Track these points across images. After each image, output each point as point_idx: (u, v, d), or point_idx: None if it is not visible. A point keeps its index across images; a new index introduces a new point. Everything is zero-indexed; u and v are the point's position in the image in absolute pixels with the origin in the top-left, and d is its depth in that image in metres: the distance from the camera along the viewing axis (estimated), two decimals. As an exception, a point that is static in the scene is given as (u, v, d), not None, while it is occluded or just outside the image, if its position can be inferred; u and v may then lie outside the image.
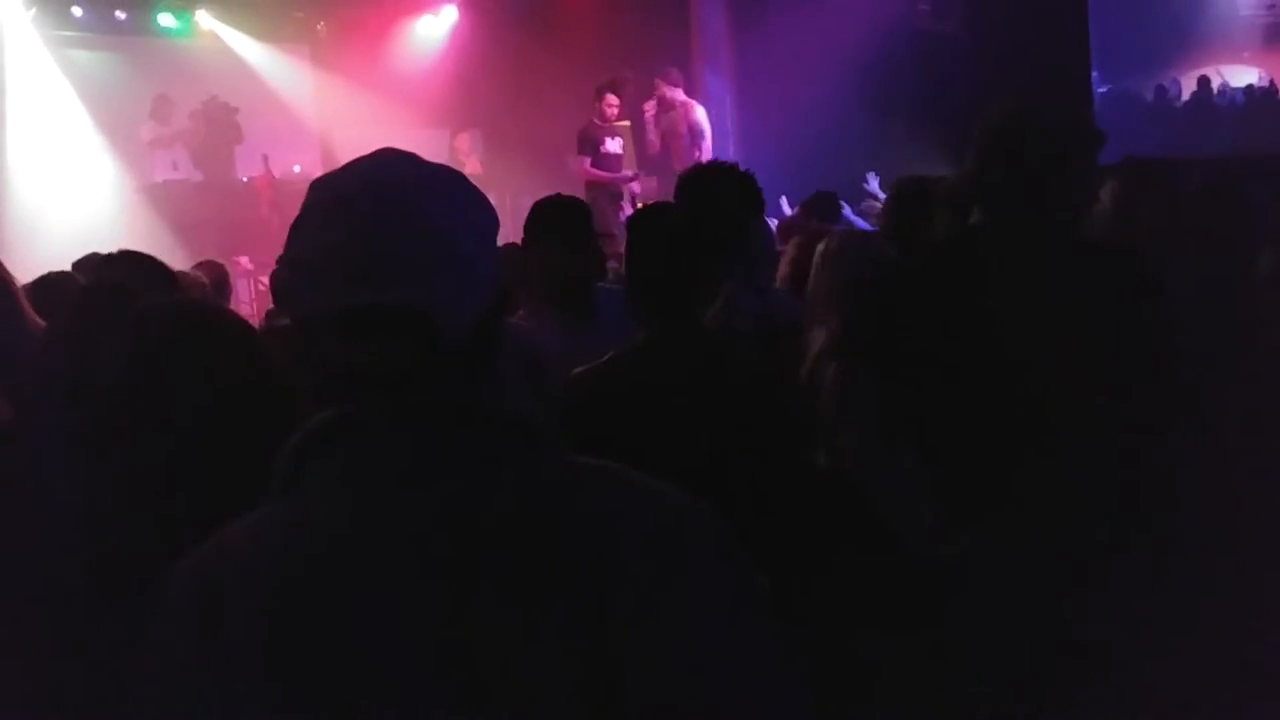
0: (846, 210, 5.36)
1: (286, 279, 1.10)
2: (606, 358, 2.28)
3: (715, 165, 2.45)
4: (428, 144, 8.48)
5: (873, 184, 6.39)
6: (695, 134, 8.47)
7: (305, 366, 1.14)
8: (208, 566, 1.08)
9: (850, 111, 7.60)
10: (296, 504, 1.08)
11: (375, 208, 1.06)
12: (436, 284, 1.06)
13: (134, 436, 1.90)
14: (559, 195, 3.20)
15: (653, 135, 8.66)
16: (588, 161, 8.42)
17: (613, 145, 8.51)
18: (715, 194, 2.36)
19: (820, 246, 3.08)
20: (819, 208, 5.30)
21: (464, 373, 1.10)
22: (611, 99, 8.42)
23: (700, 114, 8.55)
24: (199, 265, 5.06)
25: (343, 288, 1.04)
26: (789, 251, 3.64)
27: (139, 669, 1.09)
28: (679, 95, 8.54)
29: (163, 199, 10.46)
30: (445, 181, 1.13)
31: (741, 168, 2.77)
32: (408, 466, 1.06)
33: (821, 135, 7.58)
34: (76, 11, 10.66)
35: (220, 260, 5.50)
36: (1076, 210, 2.35)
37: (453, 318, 1.07)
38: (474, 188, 1.16)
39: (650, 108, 8.63)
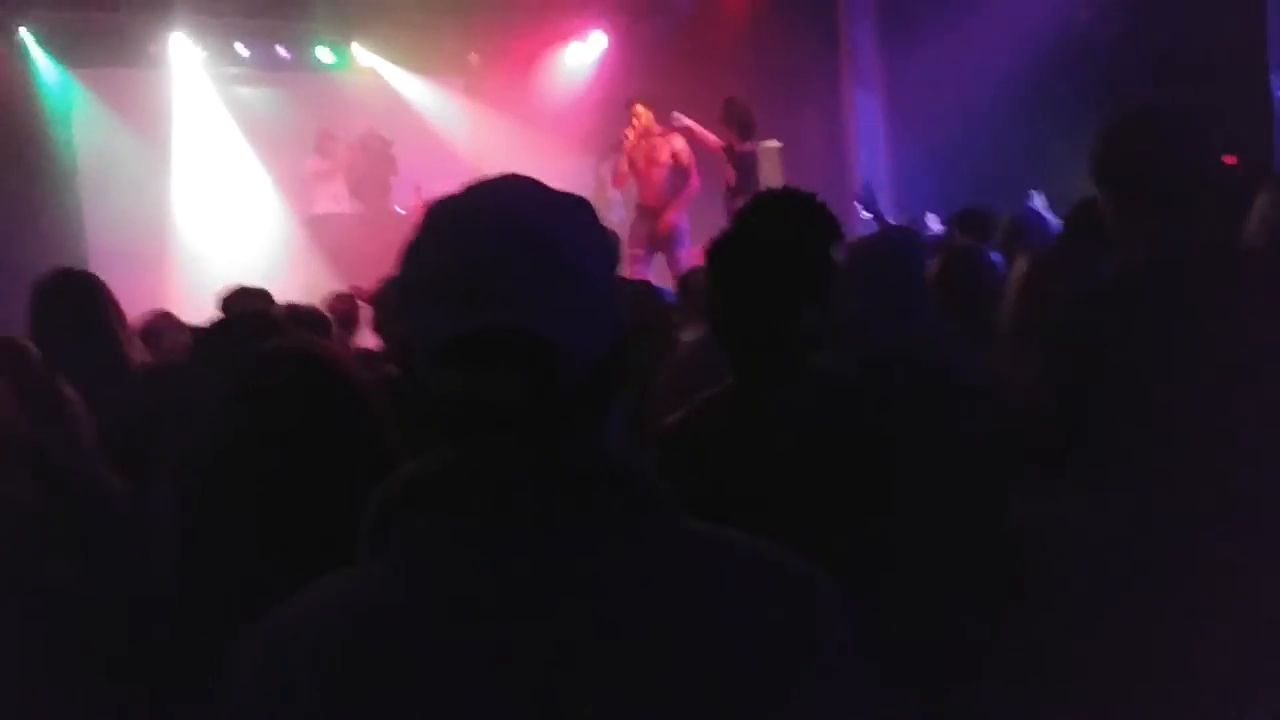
0: (1048, 215, 4.85)
1: (397, 303, 1.04)
2: (698, 401, 2.09)
3: (789, 192, 2.24)
4: (576, 172, 8.46)
5: (1036, 203, 5.95)
6: (679, 164, 7.96)
7: (409, 407, 1.05)
8: (278, 634, 1.02)
9: (1007, 124, 7.24)
10: (375, 571, 1.01)
11: (497, 228, 0.99)
12: (559, 310, 0.97)
13: (244, 490, 1.83)
14: None
15: (622, 164, 8.21)
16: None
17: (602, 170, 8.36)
18: (795, 219, 2.14)
19: (1020, 267, 2.78)
20: (970, 224, 4.99)
21: (580, 418, 1.01)
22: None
23: (681, 144, 8.05)
24: (328, 298, 5.08)
25: (457, 310, 0.96)
26: (934, 270, 3.35)
27: None
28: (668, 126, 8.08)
29: (323, 231, 10.76)
30: (570, 206, 1.05)
31: (869, 187, 2.56)
32: (504, 532, 0.97)
33: (977, 149, 7.23)
34: (241, 51, 11.09)
35: (349, 293, 5.50)
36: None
37: (575, 350, 0.98)
38: (597, 216, 1.08)
39: (629, 134, 8.14)
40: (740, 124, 7.73)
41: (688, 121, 8.01)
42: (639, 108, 8.07)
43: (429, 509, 0.99)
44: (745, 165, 7.79)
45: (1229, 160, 2.50)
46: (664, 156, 7.98)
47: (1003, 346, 2.56)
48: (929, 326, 2.96)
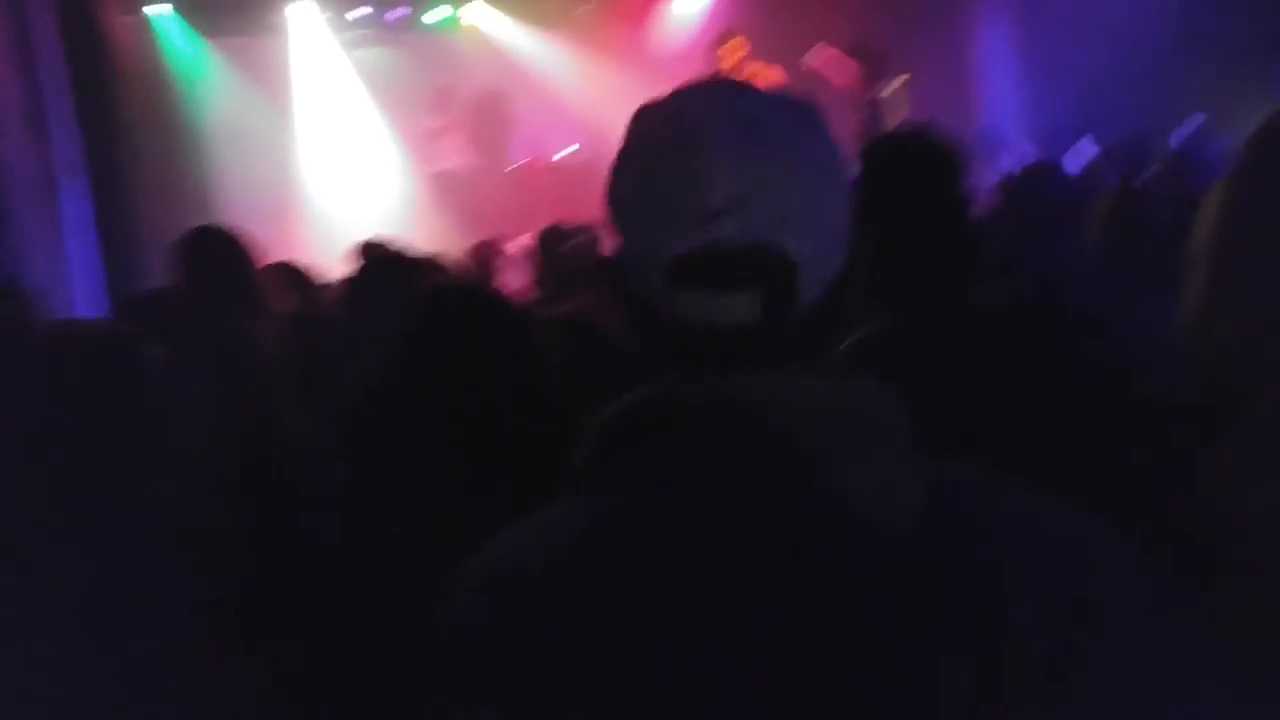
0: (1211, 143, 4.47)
1: (615, 215, 0.96)
2: (854, 341, 1.96)
3: (915, 135, 2.14)
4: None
5: (1190, 126, 5.54)
6: None
7: (631, 330, 0.99)
8: (495, 576, 0.90)
9: (1154, 55, 6.90)
10: (598, 505, 0.91)
11: (725, 131, 0.90)
12: (803, 225, 0.90)
13: (416, 425, 1.83)
14: None
15: None
16: None
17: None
18: (923, 165, 2.06)
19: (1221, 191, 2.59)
20: (1127, 155, 4.69)
21: (815, 343, 0.94)
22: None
23: (779, 78, 7.77)
24: (471, 249, 5.16)
25: (686, 224, 0.89)
26: (1096, 215, 3.15)
27: (400, 689, 0.96)
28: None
29: (445, 186, 10.89)
30: (800, 106, 0.97)
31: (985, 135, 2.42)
32: (757, 466, 0.87)
33: (1121, 75, 6.90)
34: (355, 13, 11.25)
35: (489, 242, 5.56)
36: None
37: (814, 271, 0.91)
38: (826, 120, 0.98)
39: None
40: (872, 66, 7.52)
41: (819, 61, 7.81)
42: (734, 41, 7.89)
43: (661, 438, 0.90)
44: (873, 112, 7.58)
45: None
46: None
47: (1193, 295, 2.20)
48: (1083, 266, 2.81)
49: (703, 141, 0.90)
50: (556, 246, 4.48)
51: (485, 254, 4.95)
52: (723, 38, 7.92)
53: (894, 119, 7.61)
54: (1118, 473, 1.68)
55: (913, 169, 2.06)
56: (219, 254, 3.35)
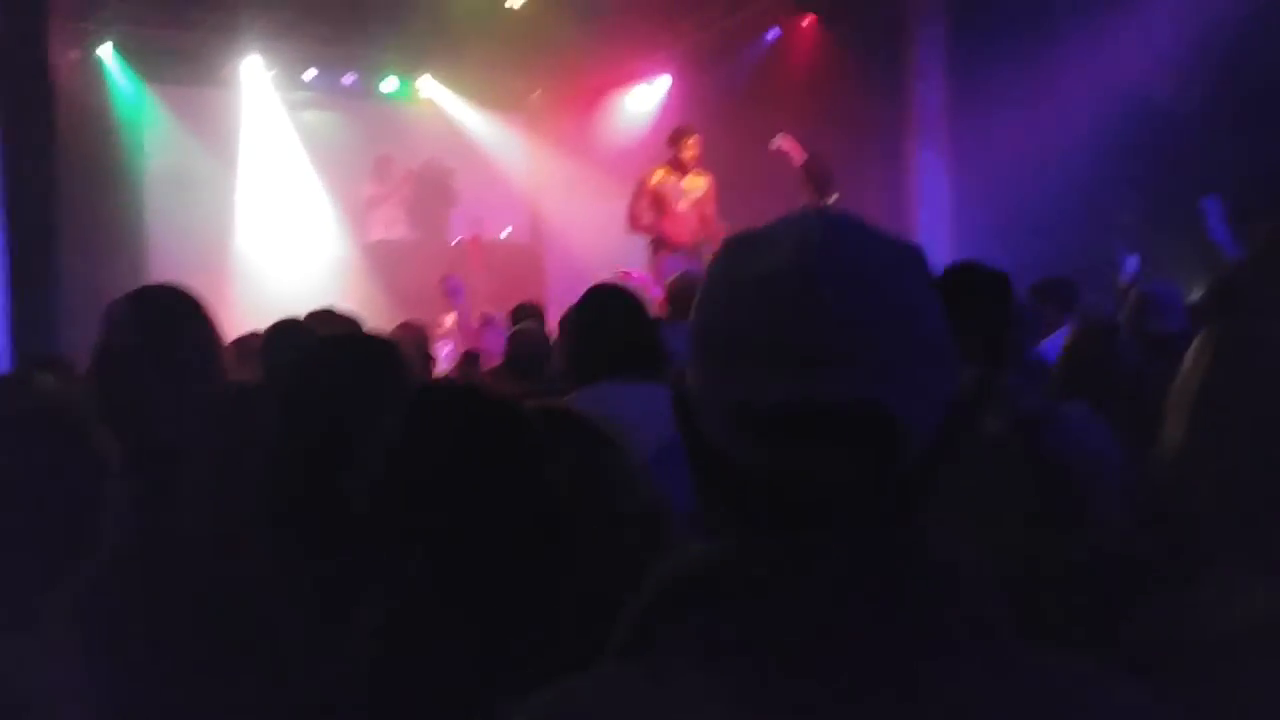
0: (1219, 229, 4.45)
1: (698, 350, 0.88)
2: None
3: (975, 265, 2.22)
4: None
5: (1131, 266, 5.64)
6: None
7: (694, 474, 0.90)
8: None
9: (1078, 192, 7.16)
10: (656, 670, 0.83)
11: (833, 276, 0.83)
12: (905, 377, 0.82)
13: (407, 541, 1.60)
14: None
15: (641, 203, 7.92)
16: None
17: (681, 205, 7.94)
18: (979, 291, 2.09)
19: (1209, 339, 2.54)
20: (1052, 294, 4.82)
21: (910, 502, 0.86)
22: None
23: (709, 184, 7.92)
24: (400, 327, 5.06)
25: (793, 369, 0.81)
26: (1068, 351, 3.05)
27: None
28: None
29: (380, 257, 10.84)
30: (908, 250, 0.89)
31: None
32: (830, 640, 0.79)
33: (1046, 216, 7.15)
34: (309, 74, 11.28)
35: (421, 321, 5.49)
36: None
37: (917, 424, 0.83)
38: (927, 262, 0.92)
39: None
40: (821, 179, 7.67)
41: (786, 144, 7.95)
42: (692, 139, 7.97)
43: (729, 603, 0.82)
44: None
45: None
46: (701, 193, 7.90)
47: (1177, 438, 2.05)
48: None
49: (811, 282, 0.83)
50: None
51: (415, 334, 4.87)
52: (680, 134, 8.02)
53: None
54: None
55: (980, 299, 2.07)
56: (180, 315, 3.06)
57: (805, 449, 0.82)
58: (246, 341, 4.20)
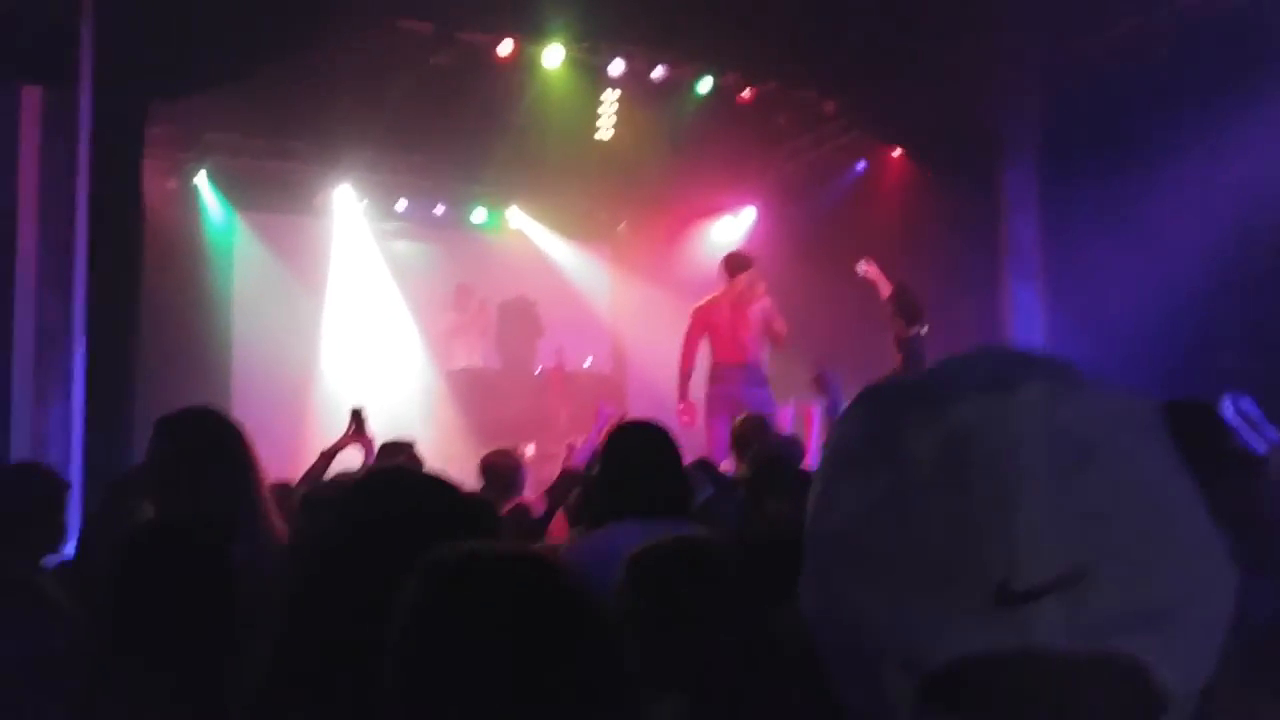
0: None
1: (826, 567, 0.61)
2: None
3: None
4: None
5: (1229, 409, 5.27)
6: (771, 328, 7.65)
7: None
8: None
9: (1177, 329, 6.84)
10: None
11: (1061, 460, 0.55)
12: (1168, 619, 0.55)
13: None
14: None
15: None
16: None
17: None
18: None
19: None
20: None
21: None
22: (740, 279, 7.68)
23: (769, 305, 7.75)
24: (492, 454, 5.01)
25: (985, 608, 0.54)
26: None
27: None
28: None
29: (464, 385, 10.80)
30: (1155, 418, 0.61)
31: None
32: None
33: (1144, 357, 6.81)
34: (400, 205, 11.46)
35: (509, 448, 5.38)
36: None
37: (1183, 694, 0.56)
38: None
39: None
40: (909, 310, 7.49)
41: (870, 271, 7.79)
42: (752, 272, 7.82)
43: None
44: (913, 351, 7.48)
45: None
46: (755, 315, 7.69)
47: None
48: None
49: (1006, 474, 0.55)
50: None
51: (510, 463, 4.73)
52: (742, 264, 7.88)
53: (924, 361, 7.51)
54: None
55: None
56: (220, 443, 2.87)
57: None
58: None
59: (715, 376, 7.77)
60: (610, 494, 2.79)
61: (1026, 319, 8.61)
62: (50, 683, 2.37)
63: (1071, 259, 8.06)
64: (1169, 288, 6.95)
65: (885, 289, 7.67)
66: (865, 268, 7.80)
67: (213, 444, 2.75)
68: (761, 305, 7.74)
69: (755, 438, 5.13)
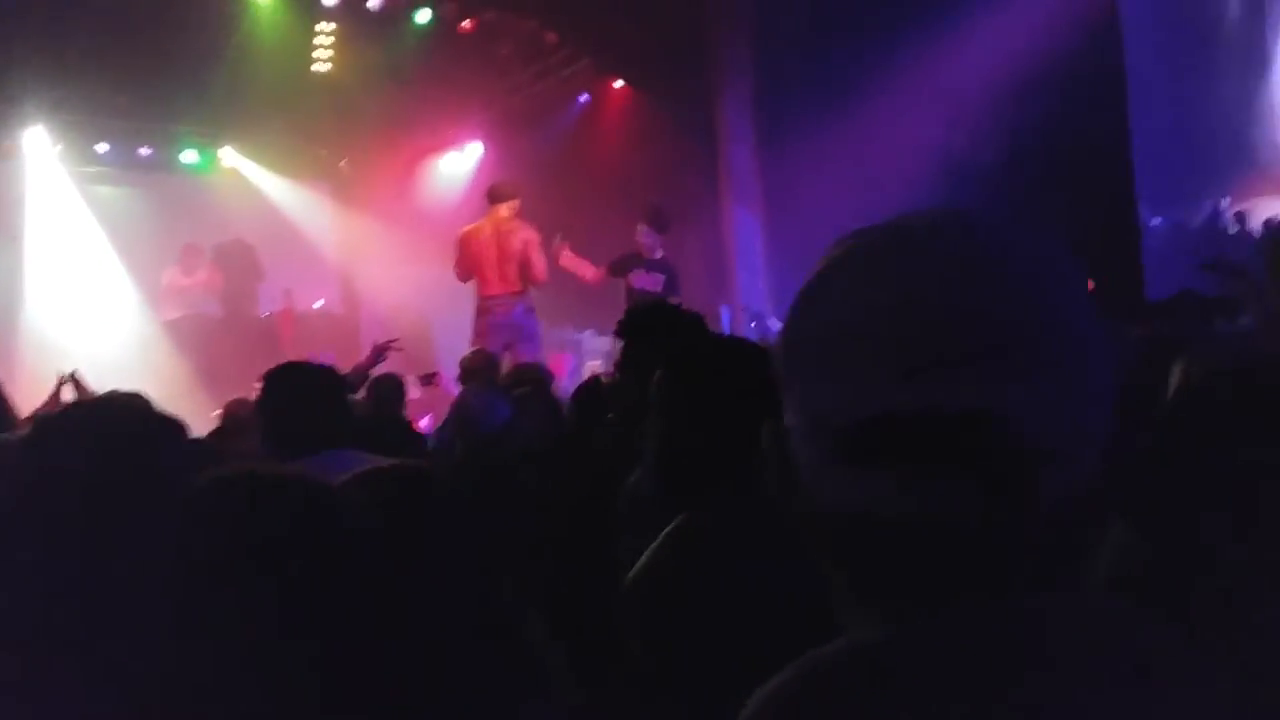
0: None
1: (798, 361, 0.72)
2: None
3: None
4: (449, 281, 8.29)
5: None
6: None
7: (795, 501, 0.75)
8: None
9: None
10: None
11: (961, 257, 0.68)
12: (1053, 395, 0.65)
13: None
14: None
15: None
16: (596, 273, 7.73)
17: (645, 281, 7.54)
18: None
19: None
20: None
21: (1055, 558, 0.69)
22: (641, 229, 7.58)
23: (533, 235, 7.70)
24: (230, 404, 4.86)
25: (908, 371, 0.65)
26: None
27: None
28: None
29: (185, 333, 10.30)
30: (1060, 250, 0.72)
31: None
32: None
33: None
34: (101, 148, 10.76)
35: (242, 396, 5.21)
36: None
37: (1062, 458, 0.66)
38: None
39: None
40: (661, 224, 7.62)
41: (566, 260, 7.83)
42: (513, 202, 7.77)
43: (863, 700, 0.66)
44: (673, 271, 7.61)
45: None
46: (516, 246, 7.62)
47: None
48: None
49: (924, 263, 0.68)
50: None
51: (241, 410, 4.57)
52: (501, 192, 7.81)
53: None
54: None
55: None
56: None
57: (920, 478, 0.65)
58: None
59: (482, 309, 7.71)
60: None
61: (748, 244, 9.08)
62: None
63: (787, 186, 8.52)
64: (873, 212, 7.48)
65: (587, 273, 7.78)
66: (560, 255, 7.80)
67: None
68: (522, 238, 7.70)
69: (483, 367, 5.41)
